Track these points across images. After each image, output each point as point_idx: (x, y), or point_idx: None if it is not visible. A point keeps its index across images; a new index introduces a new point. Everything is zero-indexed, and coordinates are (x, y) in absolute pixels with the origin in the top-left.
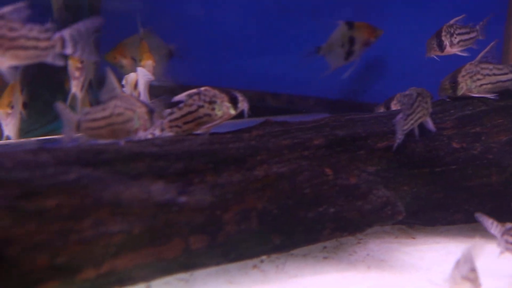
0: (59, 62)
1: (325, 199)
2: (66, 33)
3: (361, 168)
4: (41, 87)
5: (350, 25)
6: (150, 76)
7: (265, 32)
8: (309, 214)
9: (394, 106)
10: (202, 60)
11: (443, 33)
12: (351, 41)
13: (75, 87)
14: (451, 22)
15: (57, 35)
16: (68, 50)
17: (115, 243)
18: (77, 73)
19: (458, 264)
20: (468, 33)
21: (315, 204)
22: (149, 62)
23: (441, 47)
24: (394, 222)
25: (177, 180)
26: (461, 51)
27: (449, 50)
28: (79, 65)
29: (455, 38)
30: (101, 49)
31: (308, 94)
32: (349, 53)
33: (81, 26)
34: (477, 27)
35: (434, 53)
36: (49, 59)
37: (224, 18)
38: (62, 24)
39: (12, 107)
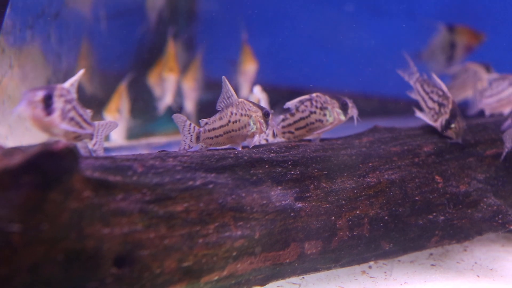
0: None
1: (435, 207)
2: None
3: (471, 175)
4: (137, 91)
5: (451, 29)
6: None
7: (357, 33)
8: (419, 221)
9: None
10: (293, 61)
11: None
12: (452, 46)
13: (189, 105)
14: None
15: None
16: None
17: (237, 247)
18: (190, 93)
19: None
20: None
21: (426, 211)
22: (252, 67)
23: None
24: (505, 231)
25: (294, 187)
26: None
27: None
28: (192, 85)
29: None
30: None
31: (400, 96)
32: (450, 59)
33: None
34: None
35: None
36: None
37: (314, 19)
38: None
39: (119, 112)
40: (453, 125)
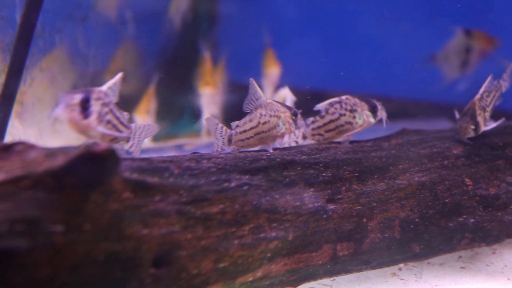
0: None
1: (465, 209)
2: None
3: (501, 178)
4: (162, 93)
5: (468, 33)
6: (293, 98)
7: (380, 35)
8: (449, 223)
9: None
10: (318, 63)
11: (477, 112)
12: (468, 50)
13: (214, 109)
14: (480, 92)
15: None
16: None
17: (271, 248)
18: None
19: None
20: (495, 95)
21: (455, 214)
22: (275, 70)
23: (477, 130)
24: None
25: (326, 188)
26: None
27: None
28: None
29: (487, 112)
30: (219, 52)
31: (422, 98)
32: (464, 63)
33: None
34: (500, 80)
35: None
36: None
37: (339, 22)
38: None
39: (149, 114)
40: (458, 123)
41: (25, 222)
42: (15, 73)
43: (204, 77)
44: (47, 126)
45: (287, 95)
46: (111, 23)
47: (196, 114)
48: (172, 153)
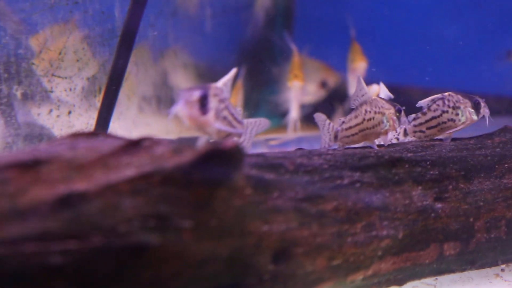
0: None
1: None
2: None
3: None
4: (249, 87)
5: None
6: (390, 94)
7: (459, 30)
8: None
9: None
10: (397, 59)
11: None
12: None
13: (294, 111)
14: None
15: None
16: None
17: (382, 246)
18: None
19: None
20: None
21: None
22: (362, 64)
23: None
24: None
25: (433, 187)
26: None
27: None
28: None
29: None
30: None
31: (503, 93)
32: None
33: None
34: None
35: None
36: None
37: (417, 16)
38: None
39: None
40: None
41: (156, 218)
42: (120, 68)
43: (292, 70)
44: (140, 119)
45: (381, 91)
46: (194, 18)
47: (283, 108)
48: (262, 148)
